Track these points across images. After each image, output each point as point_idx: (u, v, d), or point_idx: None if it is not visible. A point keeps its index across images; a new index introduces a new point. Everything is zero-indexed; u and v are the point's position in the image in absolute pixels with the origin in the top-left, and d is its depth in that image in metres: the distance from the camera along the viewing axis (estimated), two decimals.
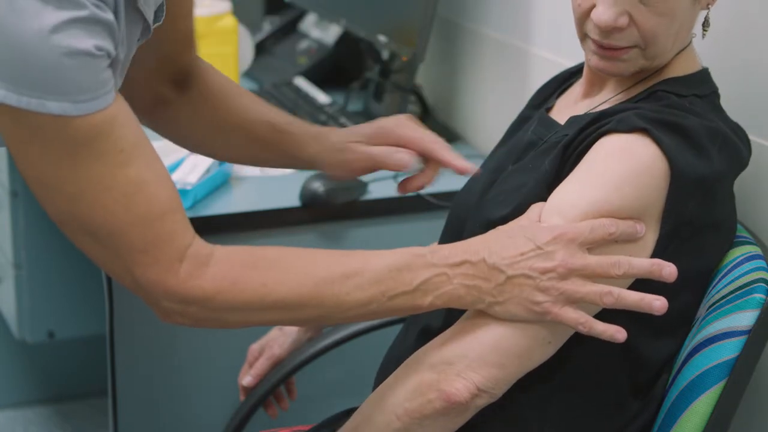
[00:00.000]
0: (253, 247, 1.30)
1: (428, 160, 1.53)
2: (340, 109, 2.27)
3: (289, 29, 2.76)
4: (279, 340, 1.77)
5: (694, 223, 1.35)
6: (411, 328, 1.53)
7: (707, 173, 1.34)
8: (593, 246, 1.30)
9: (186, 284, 1.24)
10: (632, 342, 1.35)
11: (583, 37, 1.43)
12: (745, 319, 1.33)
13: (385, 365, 1.55)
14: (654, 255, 1.33)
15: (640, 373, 1.40)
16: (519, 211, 1.37)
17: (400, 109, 2.20)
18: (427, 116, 2.30)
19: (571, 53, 1.62)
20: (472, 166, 1.49)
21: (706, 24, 1.44)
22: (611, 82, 1.47)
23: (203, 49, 2.18)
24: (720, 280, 1.39)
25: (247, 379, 1.76)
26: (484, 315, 1.32)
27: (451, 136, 2.27)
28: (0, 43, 1.11)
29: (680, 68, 1.44)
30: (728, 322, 1.34)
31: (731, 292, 1.36)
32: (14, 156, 1.21)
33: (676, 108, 1.38)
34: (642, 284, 1.31)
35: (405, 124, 1.54)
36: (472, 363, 1.29)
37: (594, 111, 1.44)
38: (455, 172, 1.50)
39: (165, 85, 1.54)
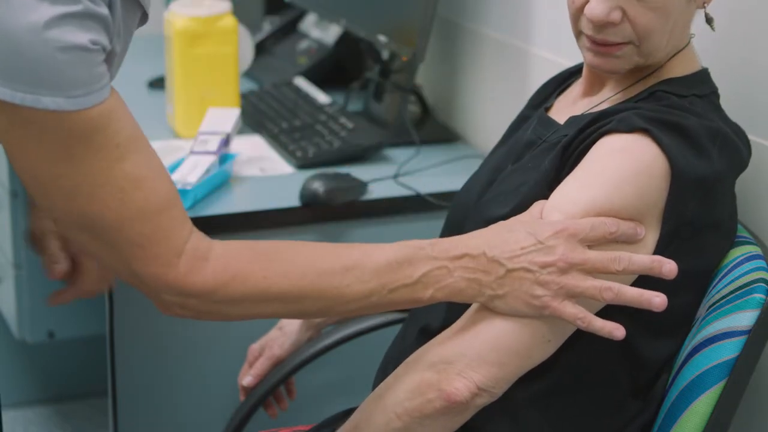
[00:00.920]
0: (252, 241, 1.30)
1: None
2: (340, 109, 2.27)
3: (289, 29, 2.76)
4: (279, 340, 1.77)
5: (694, 223, 1.35)
6: (410, 327, 1.53)
7: (707, 173, 1.34)
8: (593, 244, 1.30)
9: (186, 278, 1.24)
10: (632, 342, 1.35)
11: (578, 34, 1.43)
12: (745, 319, 1.33)
13: (384, 365, 1.55)
14: (654, 255, 1.33)
15: (640, 373, 1.40)
16: (518, 210, 1.38)
17: (400, 109, 2.21)
18: (427, 116, 2.30)
19: (571, 53, 1.61)
20: None
21: (709, 21, 1.44)
22: (611, 82, 1.47)
23: (203, 49, 2.18)
24: (720, 280, 1.39)
25: (247, 379, 1.76)
26: (483, 314, 1.32)
27: (451, 136, 2.27)
28: None
29: (680, 68, 1.44)
30: (728, 322, 1.34)
31: (731, 292, 1.36)
32: (9, 153, 1.21)
33: (676, 108, 1.38)
34: (642, 284, 1.31)
35: None
36: (471, 362, 1.29)
37: (593, 111, 1.44)
38: None
39: None
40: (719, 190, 1.38)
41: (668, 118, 1.35)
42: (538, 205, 1.36)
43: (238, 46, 2.25)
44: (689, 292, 1.39)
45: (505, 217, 1.37)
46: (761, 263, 1.38)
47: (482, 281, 1.30)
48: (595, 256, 1.29)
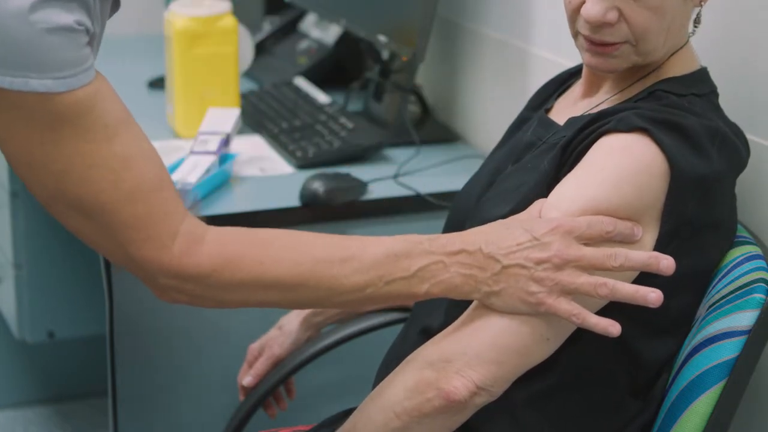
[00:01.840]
0: (249, 228, 1.30)
1: None
2: (340, 109, 2.27)
3: (289, 29, 2.76)
4: (279, 339, 1.77)
5: (693, 223, 1.35)
6: (411, 328, 1.53)
7: (707, 173, 1.34)
8: (590, 242, 1.30)
9: (181, 261, 1.24)
10: (632, 342, 1.35)
11: (575, 34, 1.43)
12: (745, 319, 1.33)
13: (385, 365, 1.55)
14: None
15: (640, 373, 1.40)
16: (517, 210, 1.38)
17: (400, 109, 2.21)
18: (427, 116, 2.30)
19: (571, 53, 1.61)
20: None
21: (697, 21, 1.44)
22: (610, 82, 1.48)
23: (203, 49, 2.18)
24: (720, 280, 1.39)
25: (247, 379, 1.76)
26: (482, 312, 1.32)
27: (451, 136, 2.27)
28: None
29: (679, 67, 1.44)
30: (728, 322, 1.34)
31: (731, 292, 1.36)
32: None
33: (676, 107, 1.38)
34: (641, 284, 1.31)
35: None
36: (470, 360, 1.29)
37: (593, 111, 1.44)
38: None
39: None
40: (719, 189, 1.38)
41: (667, 117, 1.35)
42: (537, 204, 1.36)
43: (238, 46, 2.25)
44: (689, 292, 1.39)
45: (504, 218, 1.37)
46: (761, 263, 1.38)
47: (478, 277, 1.30)
48: (591, 252, 1.29)
